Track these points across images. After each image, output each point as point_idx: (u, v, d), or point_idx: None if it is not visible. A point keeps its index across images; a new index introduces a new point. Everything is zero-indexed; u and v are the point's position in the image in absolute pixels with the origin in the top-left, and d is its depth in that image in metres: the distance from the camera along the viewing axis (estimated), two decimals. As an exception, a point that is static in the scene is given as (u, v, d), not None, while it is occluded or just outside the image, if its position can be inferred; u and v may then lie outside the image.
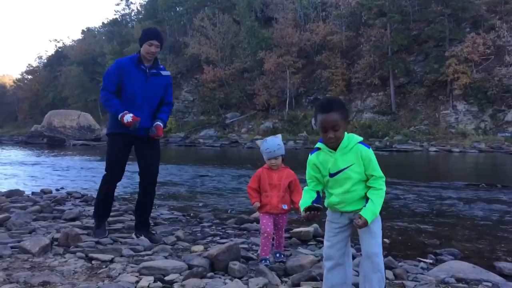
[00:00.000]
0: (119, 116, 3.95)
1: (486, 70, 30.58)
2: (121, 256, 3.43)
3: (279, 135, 3.61)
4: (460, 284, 3.13)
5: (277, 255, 3.53)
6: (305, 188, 2.44)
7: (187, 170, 12.94)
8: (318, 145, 2.37)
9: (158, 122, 4.16)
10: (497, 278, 3.29)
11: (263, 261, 3.32)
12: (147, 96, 4.09)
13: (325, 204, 2.41)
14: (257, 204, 3.47)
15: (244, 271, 3.01)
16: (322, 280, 2.88)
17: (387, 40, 35.21)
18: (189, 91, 47.27)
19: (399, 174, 10.78)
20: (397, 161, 18.52)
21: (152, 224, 4.99)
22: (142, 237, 3.98)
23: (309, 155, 2.42)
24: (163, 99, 4.26)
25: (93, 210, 4.47)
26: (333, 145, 2.30)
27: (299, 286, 2.79)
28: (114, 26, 66.25)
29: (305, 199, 2.36)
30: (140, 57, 4.11)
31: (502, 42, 30.51)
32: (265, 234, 3.39)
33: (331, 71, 37.11)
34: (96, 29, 73.72)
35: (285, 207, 3.48)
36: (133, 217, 5.22)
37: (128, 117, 3.92)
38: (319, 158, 2.36)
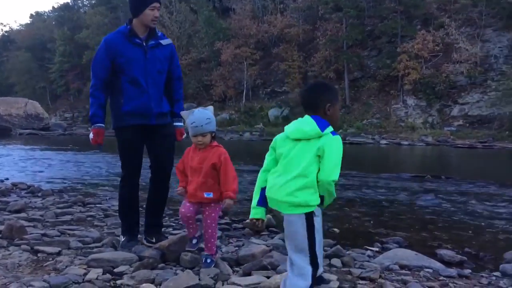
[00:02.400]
0: (91, 126, 3.36)
1: (434, 67, 31.85)
2: (69, 248, 3.34)
3: (210, 107, 3.03)
4: (403, 271, 3.28)
5: (204, 259, 2.94)
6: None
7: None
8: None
9: (177, 123, 3.55)
10: (437, 265, 3.48)
11: (190, 241, 3.04)
12: (151, 76, 3.35)
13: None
14: (181, 189, 2.99)
15: (196, 261, 3.01)
16: (273, 269, 2.95)
17: (342, 34, 35.91)
18: (144, 80, 46.24)
19: (351, 166, 11.10)
20: (349, 153, 18.97)
21: (103, 215, 4.89)
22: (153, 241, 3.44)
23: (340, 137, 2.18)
24: (171, 74, 3.52)
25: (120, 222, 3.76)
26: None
27: (250, 275, 2.83)
28: (65, 11, 63.66)
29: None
30: (132, 29, 3.35)
31: (450, 40, 31.83)
32: (180, 217, 3.03)
33: (288, 63, 37.45)
34: (46, 14, 70.71)
35: (209, 195, 2.86)
36: (83, 209, 5.11)
37: (91, 135, 3.34)
38: None
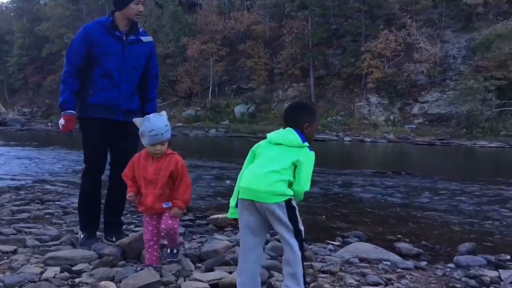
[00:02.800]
0: (62, 112, 3.24)
1: (396, 66, 32.68)
2: (25, 247, 3.24)
3: (163, 112, 2.80)
4: (363, 264, 3.36)
5: (170, 251, 2.85)
6: None
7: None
8: None
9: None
10: (395, 257, 3.59)
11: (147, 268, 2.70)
12: (125, 71, 3.29)
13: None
14: (131, 194, 2.76)
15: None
16: (235, 264, 2.96)
17: (308, 32, 36.29)
18: (107, 75, 45.21)
19: (315, 163, 11.21)
20: (314, 150, 19.18)
21: (61, 213, 4.77)
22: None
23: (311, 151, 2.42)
24: (147, 72, 3.46)
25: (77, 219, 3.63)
26: None
27: (213, 271, 2.83)
28: (25, 2, 61.21)
29: None
30: (114, 21, 3.26)
31: (412, 40, 32.72)
32: (145, 242, 2.81)
33: (254, 60, 37.51)
34: (4, 5, 67.98)
35: (168, 205, 2.73)
36: (41, 206, 4.96)
37: (61, 121, 3.24)
38: None
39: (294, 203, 2.31)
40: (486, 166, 14.72)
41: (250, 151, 2.48)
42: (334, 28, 36.84)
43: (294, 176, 2.31)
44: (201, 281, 2.59)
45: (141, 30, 3.43)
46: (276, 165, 2.28)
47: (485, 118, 26.79)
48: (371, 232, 4.69)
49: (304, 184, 2.31)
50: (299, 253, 2.27)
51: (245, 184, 2.32)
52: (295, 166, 2.30)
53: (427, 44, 31.51)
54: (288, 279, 2.29)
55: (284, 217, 2.25)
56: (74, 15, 51.64)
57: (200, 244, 3.59)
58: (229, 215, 2.49)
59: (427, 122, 30.04)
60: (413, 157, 17.65)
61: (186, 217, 4.87)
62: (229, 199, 2.49)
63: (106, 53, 3.23)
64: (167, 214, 2.72)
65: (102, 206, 3.55)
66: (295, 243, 2.27)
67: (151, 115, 2.72)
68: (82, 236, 3.37)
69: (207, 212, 5.16)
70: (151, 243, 2.78)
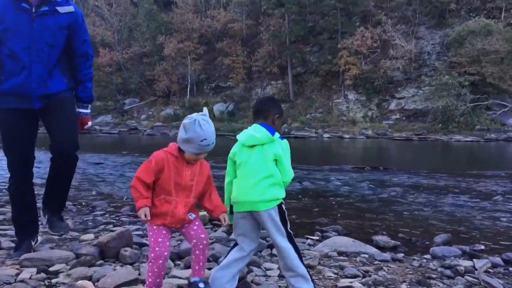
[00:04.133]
0: None
1: (373, 62, 33.06)
2: (0, 249, 3.17)
3: (206, 111, 2.27)
4: (341, 257, 3.41)
5: (195, 284, 2.30)
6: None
7: (81, 158, 12.24)
8: None
9: (81, 110, 3.09)
10: (373, 250, 3.65)
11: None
12: (36, 50, 2.78)
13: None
14: (146, 210, 2.13)
15: (136, 257, 2.96)
16: (214, 260, 2.97)
17: (285, 30, 36.38)
18: (83, 75, 44.45)
19: (295, 159, 11.32)
20: (294, 147, 19.34)
21: (39, 214, 4.67)
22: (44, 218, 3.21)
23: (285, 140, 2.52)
24: (73, 50, 2.98)
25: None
26: None
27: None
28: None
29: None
30: None
31: (387, 37, 33.14)
32: (159, 261, 2.16)
33: (232, 58, 37.41)
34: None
35: (192, 216, 2.31)
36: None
37: None
38: None
39: (284, 206, 2.42)
40: (461, 160, 15.06)
41: (228, 159, 2.53)
42: (311, 25, 37.03)
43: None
44: (180, 277, 2.59)
45: None
46: (262, 171, 2.38)
47: (460, 113, 27.36)
48: (349, 226, 4.75)
49: (289, 172, 2.43)
50: (294, 255, 2.38)
51: (239, 198, 2.41)
52: (276, 160, 2.42)
53: (402, 41, 31.97)
54: (296, 283, 2.37)
55: (278, 221, 2.38)
56: None
57: (179, 242, 3.57)
58: (231, 221, 2.51)
59: (404, 118, 30.51)
60: (391, 153, 17.92)
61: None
62: None
63: (8, 30, 2.74)
64: (197, 223, 2.33)
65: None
66: (289, 247, 2.38)
67: (200, 118, 2.17)
68: (18, 242, 3.12)
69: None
70: (164, 263, 2.20)
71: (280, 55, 36.13)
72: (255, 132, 2.44)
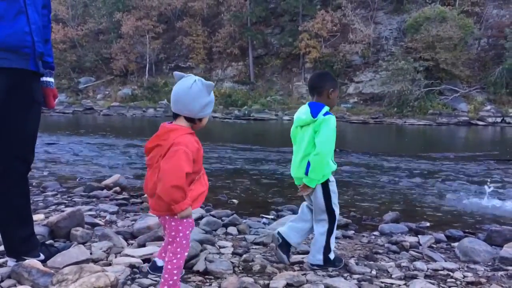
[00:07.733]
0: None
1: (333, 46, 33.44)
2: None
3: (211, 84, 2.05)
4: (294, 235, 3.49)
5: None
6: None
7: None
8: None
9: (47, 79, 2.42)
10: (325, 228, 3.75)
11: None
12: None
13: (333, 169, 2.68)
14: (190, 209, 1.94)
15: (88, 236, 2.92)
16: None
17: (246, 11, 36.08)
18: (35, 51, 42.45)
19: (254, 141, 11.44)
20: (253, 129, 19.47)
21: None
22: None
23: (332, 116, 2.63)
24: None
25: None
26: None
27: (145, 246, 2.82)
28: None
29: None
30: None
31: (347, 21, 33.52)
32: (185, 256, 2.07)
33: (192, 38, 36.79)
34: None
35: None
36: None
37: None
38: None
39: (332, 184, 2.64)
40: (414, 143, 15.62)
41: (291, 136, 2.81)
42: (272, 7, 36.89)
43: None
44: (132, 256, 2.57)
45: None
46: (302, 149, 2.61)
47: (414, 98, 28.22)
48: (304, 205, 4.86)
49: (320, 147, 2.53)
50: (326, 229, 2.65)
51: (292, 174, 2.74)
52: None
53: (361, 25, 32.45)
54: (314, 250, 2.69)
55: (320, 197, 2.61)
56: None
57: (133, 222, 3.55)
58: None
59: (361, 102, 31.17)
60: (348, 135, 18.31)
61: (121, 196, 4.79)
62: None
63: None
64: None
65: None
66: (325, 219, 2.63)
67: (197, 78, 2.04)
68: None
69: (142, 191, 5.09)
70: None
71: (241, 36, 35.86)
72: (301, 114, 2.66)
